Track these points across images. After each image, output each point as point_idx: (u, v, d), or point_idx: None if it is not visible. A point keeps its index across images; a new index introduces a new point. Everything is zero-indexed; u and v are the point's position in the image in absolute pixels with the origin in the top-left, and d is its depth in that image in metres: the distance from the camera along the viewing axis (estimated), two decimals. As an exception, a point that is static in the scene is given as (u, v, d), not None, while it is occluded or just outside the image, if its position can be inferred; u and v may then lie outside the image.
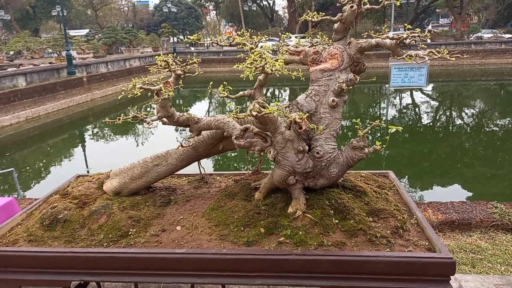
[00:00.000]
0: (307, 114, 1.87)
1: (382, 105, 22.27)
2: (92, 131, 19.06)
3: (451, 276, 1.72)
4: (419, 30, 1.88)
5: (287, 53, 2.09)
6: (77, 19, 62.24)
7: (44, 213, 2.11)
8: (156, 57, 1.96)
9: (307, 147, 1.96)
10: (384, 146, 1.97)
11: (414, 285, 1.71)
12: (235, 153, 10.98)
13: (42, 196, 2.55)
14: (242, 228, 1.98)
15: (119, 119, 1.97)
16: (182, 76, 2.06)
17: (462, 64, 33.19)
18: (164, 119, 2.10)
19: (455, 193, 8.90)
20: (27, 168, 12.78)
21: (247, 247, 1.88)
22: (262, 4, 54.45)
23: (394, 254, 1.76)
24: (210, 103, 24.41)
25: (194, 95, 30.00)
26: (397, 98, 24.50)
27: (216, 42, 2.32)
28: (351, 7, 1.95)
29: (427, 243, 1.87)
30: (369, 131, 2.10)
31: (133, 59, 34.42)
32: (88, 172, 11.80)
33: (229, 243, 1.92)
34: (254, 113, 1.76)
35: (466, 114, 19.77)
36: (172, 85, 2.01)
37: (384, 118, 17.31)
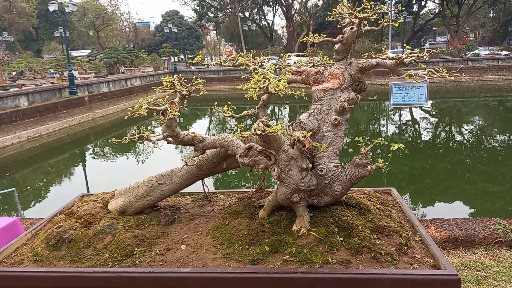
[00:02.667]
0: (311, 133, 1.90)
1: (382, 121, 22.38)
2: (93, 150, 19.11)
3: (456, 294, 1.72)
4: (418, 50, 1.93)
5: (290, 73, 2.14)
6: (79, 39, 63.12)
7: (50, 232, 2.12)
8: (162, 78, 2.01)
9: (310, 165, 1.99)
10: (386, 163, 2.00)
11: (420, 302, 1.71)
12: (238, 171, 10.99)
13: (42, 216, 2.56)
14: (247, 247, 1.99)
15: (126, 139, 2.00)
16: (187, 96, 2.10)
17: (460, 81, 33.49)
18: (169, 139, 2.13)
19: (457, 209, 8.87)
20: (28, 188, 12.76)
21: (252, 265, 1.89)
22: (261, 24, 55.29)
23: (399, 272, 1.76)
24: (210, 121, 24.55)
25: (195, 113, 30.18)
26: (396, 115, 24.64)
27: (220, 63, 2.37)
28: (351, 28, 2.01)
29: (431, 260, 1.87)
30: (371, 148, 2.13)
31: (134, 78, 34.76)
32: (88, 191, 11.78)
33: (234, 261, 1.92)
34: (259, 132, 1.79)
35: (466, 130, 19.84)
36: (177, 105, 2.05)
37: (384, 134, 17.36)
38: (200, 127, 24.06)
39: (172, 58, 47.83)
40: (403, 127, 19.94)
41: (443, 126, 21.14)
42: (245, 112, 2.11)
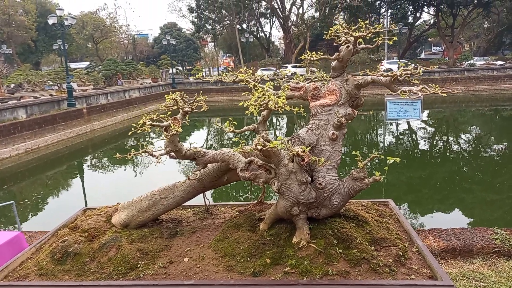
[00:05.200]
0: (309, 147, 1.96)
1: (379, 131, 22.47)
2: (91, 162, 19.12)
3: (453, 303, 1.77)
4: (412, 67, 2.00)
5: (288, 89, 2.21)
6: (77, 52, 63.47)
7: (55, 246, 2.16)
8: (166, 96, 2.07)
9: (309, 179, 2.04)
10: (383, 176, 2.06)
11: (418, 312, 1.76)
12: (238, 184, 11.04)
13: (41, 229, 2.60)
14: (248, 259, 2.04)
15: (130, 155, 2.06)
16: (189, 112, 2.17)
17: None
18: (172, 153, 2.19)
19: (455, 219, 8.91)
20: (26, 200, 12.75)
21: (253, 277, 1.93)
22: (258, 36, 55.74)
23: (397, 283, 1.81)
24: (208, 132, 24.63)
25: (193, 124, 30.27)
26: (394, 125, 24.78)
27: (221, 79, 2.44)
28: (347, 47, 2.09)
29: (428, 271, 1.92)
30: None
31: (132, 90, 34.88)
32: (86, 204, 11.79)
33: (236, 274, 1.97)
34: (259, 147, 1.85)
35: (463, 139, 19.95)
36: (180, 121, 2.11)
37: (382, 144, 17.44)
38: (198, 138, 24.11)
39: (170, 69, 48.13)
40: (400, 137, 20.04)
41: (440, 136, 21.26)
42: (245, 127, 2.17)
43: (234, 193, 10.96)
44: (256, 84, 2.27)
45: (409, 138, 19.81)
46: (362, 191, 2.14)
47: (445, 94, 1.87)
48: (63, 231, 2.40)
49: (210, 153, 2.23)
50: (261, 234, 2.17)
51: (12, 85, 34.54)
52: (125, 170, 16.95)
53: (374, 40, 2.17)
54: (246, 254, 2.07)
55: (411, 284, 1.80)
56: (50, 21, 26.67)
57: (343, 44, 2.13)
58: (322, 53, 2.20)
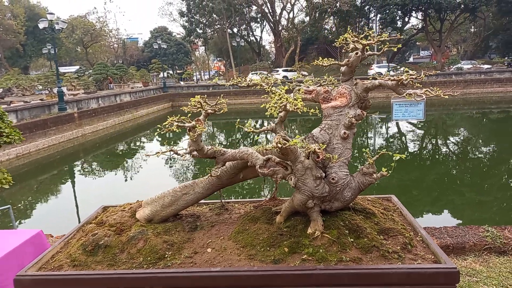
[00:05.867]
0: (325, 145, 2.16)
1: (369, 134, 22.80)
2: (82, 167, 19.12)
3: (456, 284, 1.97)
4: (415, 72, 2.21)
5: (303, 92, 2.41)
6: (67, 56, 63.02)
7: (86, 240, 2.32)
8: (191, 99, 2.25)
9: (323, 174, 2.24)
10: (390, 172, 2.26)
11: (425, 293, 1.96)
12: (248, 185, 11.39)
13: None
14: (268, 248, 2.22)
15: (158, 154, 2.23)
16: (210, 113, 2.34)
17: (444, 94, 34.34)
18: (194, 152, 2.36)
19: (447, 219, 9.20)
20: (19, 205, 12.74)
21: (274, 264, 2.11)
22: (249, 40, 56.03)
23: (406, 266, 2.01)
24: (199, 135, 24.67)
25: (184, 128, 30.28)
26: (383, 127, 25.17)
27: (236, 83, 2.62)
28: (356, 53, 2.29)
29: (433, 257, 2.13)
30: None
31: (123, 94, 34.79)
32: (77, 208, 11.89)
33: (257, 261, 2.14)
34: (280, 145, 2.04)
35: (452, 142, 20.37)
36: (202, 122, 2.29)
37: (372, 148, 17.75)
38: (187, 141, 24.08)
39: (161, 73, 48.09)
40: (391, 140, 20.41)
41: (430, 138, 21.68)
42: (264, 127, 2.36)
43: (244, 192, 11.20)
44: (271, 88, 2.46)
45: (399, 141, 20.19)
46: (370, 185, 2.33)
47: (446, 96, 2.08)
48: (89, 227, 2.55)
49: (229, 152, 2.40)
50: (278, 226, 2.35)
51: (1, 90, 34.21)
52: (115, 175, 17.04)
53: (379, 47, 2.38)
54: (265, 244, 2.25)
55: (418, 267, 2.00)
56: (41, 25, 26.54)
57: (351, 50, 2.34)
58: (333, 60, 2.40)
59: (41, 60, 58.83)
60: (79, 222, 9.96)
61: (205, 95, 2.46)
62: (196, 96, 2.41)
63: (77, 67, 54.15)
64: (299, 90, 2.50)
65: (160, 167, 17.07)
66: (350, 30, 2.41)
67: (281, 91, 2.32)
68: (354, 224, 2.29)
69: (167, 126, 2.27)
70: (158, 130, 2.31)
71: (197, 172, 15.29)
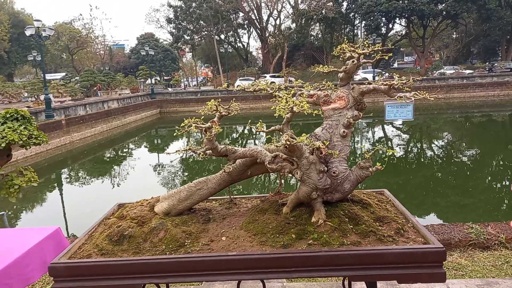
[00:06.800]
0: (328, 142, 2.44)
1: (356, 138, 23.28)
2: (69, 175, 19.14)
3: (443, 262, 2.27)
4: (405, 78, 2.52)
5: (306, 96, 2.70)
6: (52, 63, 62.47)
7: (111, 231, 2.55)
8: (207, 103, 2.51)
9: (326, 168, 2.52)
10: (383, 166, 2.56)
11: (417, 270, 2.25)
12: (253, 182, 11.73)
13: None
14: (277, 235, 2.48)
15: (178, 151, 2.49)
16: (224, 115, 2.61)
17: (428, 99, 35.20)
18: (209, 151, 2.62)
19: (433, 219, 9.60)
20: (9, 212, 12.75)
21: (284, 248, 2.38)
22: (237, 46, 56.45)
23: (400, 247, 2.30)
24: (188, 141, 24.86)
25: (170, 134, 30.42)
26: (370, 132, 25.71)
27: (243, 88, 2.90)
28: (353, 61, 2.59)
29: (422, 240, 2.42)
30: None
31: (111, 101, 34.70)
32: (65, 215, 12.00)
33: (268, 247, 2.41)
34: (288, 143, 2.32)
35: (436, 145, 20.95)
36: (217, 123, 2.55)
37: (359, 152, 18.16)
38: (177, 146, 24.25)
39: (148, 79, 48.08)
40: (376, 144, 20.90)
41: (415, 142, 22.24)
42: (272, 127, 2.63)
43: (250, 189, 11.49)
44: (276, 93, 2.74)
45: (384, 145, 20.68)
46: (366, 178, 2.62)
47: (432, 99, 2.39)
48: (110, 220, 2.78)
49: (239, 150, 2.67)
50: (285, 216, 2.62)
51: (-17, 98, 33.82)
52: (102, 182, 17.14)
53: (372, 56, 2.68)
54: (275, 231, 2.51)
55: (411, 248, 2.29)
56: (28, 32, 26.44)
57: (348, 59, 2.64)
58: (332, 67, 2.70)
59: (26, 67, 58.20)
60: (67, 228, 10.05)
61: (196, 100, 2.72)
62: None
63: (63, 74, 53.74)
64: (301, 94, 2.79)
65: (148, 173, 17.26)
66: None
67: (285, 95, 2.60)
68: (353, 213, 2.58)
69: (186, 127, 2.52)
70: (176, 131, 2.56)
71: (185, 179, 15.56)
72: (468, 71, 42.82)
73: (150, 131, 34.53)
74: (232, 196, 3.18)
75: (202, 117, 2.70)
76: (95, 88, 39.18)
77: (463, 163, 15.99)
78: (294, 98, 2.72)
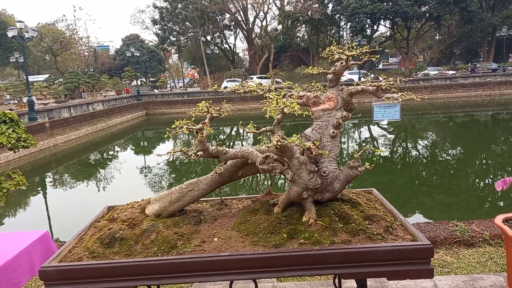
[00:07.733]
0: (318, 143, 2.48)
1: (343, 139, 23.49)
2: (54, 178, 18.88)
3: (430, 258, 2.33)
4: (392, 79, 2.58)
5: (295, 97, 2.73)
6: (35, 64, 61.42)
7: (102, 234, 2.54)
8: (199, 104, 2.53)
9: (316, 168, 2.55)
10: (372, 165, 2.61)
11: (405, 267, 2.30)
12: (243, 184, 11.70)
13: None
14: (269, 235, 2.51)
15: (170, 153, 2.49)
16: (215, 117, 2.63)
17: (413, 99, 35.79)
18: (200, 152, 2.63)
19: (419, 218, 9.76)
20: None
21: (276, 248, 2.40)
22: (223, 47, 56.37)
23: (388, 245, 2.35)
24: (174, 143, 24.77)
25: (159, 136, 30.25)
26: (356, 132, 25.96)
27: (233, 90, 2.92)
28: (341, 63, 2.64)
29: (410, 237, 2.47)
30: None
31: (96, 103, 34.32)
32: (49, 220, 11.85)
33: (260, 246, 2.43)
34: (279, 144, 2.35)
35: (421, 145, 21.26)
36: (208, 125, 2.57)
37: (345, 153, 18.34)
38: (164, 149, 24.19)
39: (134, 81, 47.66)
40: (363, 144, 21.11)
41: (400, 142, 22.54)
42: (263, 128, 2.66)
43: (238, 191, 11.48)
44: (266, 94, 2.77)
45: (370, 145, 20.88)
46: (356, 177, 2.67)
47: (419, 99, 2.45)
48: (101, 223, 2.77)
49: (231, 151, 2.69)
50: (276, 216, 2.65)
51: (-36, 100, 33.11)
52: (87, 186, 16.99)
53: (360, 58, 2.73)
54: (266, 231, 2.54)
55: (400, 245, 2.34)
56: (10, 33, 26.03)
57: (336, 60, 2.68)
58: (321, 68, 2.74)
59: (8, 69, 57.13)
60: (51, 231, 9.92)
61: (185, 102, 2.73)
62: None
63: (46, 75, 52.88)
64: (291, 95, 2.82)
65: (135, 176, 17.14)
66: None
67: (275, 97, 2.63)
68: (343, 212, 2.62)
69: (177, 128, 2.53)
70: (167, 133, 2.57)
71: (172, 181, 15.52)
72: (451, 72, 43.61)
73: (136, 133, 34.27)
74: (223, 197, 3.19)
75: (193, 118, 2.71)
76: (79, 90, 38.68)
77: (448, 162, 16.28)
78: (285, 99, 2.75)
